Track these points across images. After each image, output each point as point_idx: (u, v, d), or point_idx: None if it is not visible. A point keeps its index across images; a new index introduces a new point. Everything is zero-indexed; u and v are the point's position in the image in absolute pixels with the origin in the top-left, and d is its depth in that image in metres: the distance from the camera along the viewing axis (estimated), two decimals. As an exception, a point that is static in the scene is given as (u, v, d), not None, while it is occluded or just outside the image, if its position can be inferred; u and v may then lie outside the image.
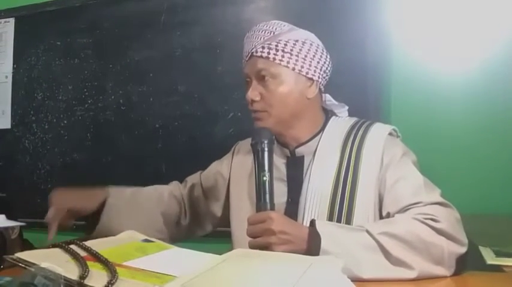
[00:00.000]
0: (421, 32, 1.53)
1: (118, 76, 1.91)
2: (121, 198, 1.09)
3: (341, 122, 1.06)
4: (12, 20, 2.17)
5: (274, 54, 0.98)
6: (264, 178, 0.85)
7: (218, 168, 1.17)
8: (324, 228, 0.83)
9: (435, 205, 0.89)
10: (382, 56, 1.55)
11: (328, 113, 1.08)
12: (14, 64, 2.15)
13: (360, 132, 1.00)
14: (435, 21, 1.51)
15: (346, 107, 1.11)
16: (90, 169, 1.94)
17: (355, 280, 0.77)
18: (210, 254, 0.76)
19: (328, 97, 1.09)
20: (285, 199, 1.01)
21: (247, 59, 1.02)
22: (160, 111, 1.83)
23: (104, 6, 1.97)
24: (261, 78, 0.99)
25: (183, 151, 1.78)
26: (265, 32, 1.00)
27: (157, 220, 1.11)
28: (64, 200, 1.00)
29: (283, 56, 0.98)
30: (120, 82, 1.91)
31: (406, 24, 1.55)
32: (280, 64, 0.98)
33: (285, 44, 0.99)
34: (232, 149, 1.19)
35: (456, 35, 1.49)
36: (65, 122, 2.02)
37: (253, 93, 0.99)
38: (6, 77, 2.16)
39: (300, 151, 1.03)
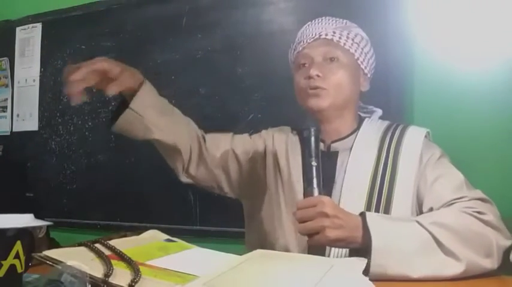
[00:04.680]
0: (444, 31, 1.50)
1: (141, 78, 1.95)
2: (155, 93, 1.06)
3: (375, 123, 1.07)
4: (39, 25, 2.23)
5: (345, 40, 1.02)
6: (313, 163, 0.84)
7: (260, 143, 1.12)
8: (375, 223, 0.81)
9: (478, 201, 0.89)
10: (404, 56, 1.53)
11: (361, 116, 1.11)
12: (41, 68, 2.21)
13: (397, 133, 1.02)
14: (458, 19, 1.48)
15: (379, 112, 1.12)
16: (114, 170, 1.99)
17: (403, 279, 0.76)
18: (231, 255, 0.76)
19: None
20: None
21: (311, 41, 1.03)
22: (182, 113, 1.84)
23: (127, 10, 2.01)
24: (327, 60, 1.01)
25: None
26: (336, 21, 1.05)
27: (186, 129, 1.12)
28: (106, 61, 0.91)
29: (352, 44, 1.03)
30: (143, 84, 1.94)
31: (428, 23, 1.52)
32: (348, 50, 1.02)
33: (355, 35, 1.04)
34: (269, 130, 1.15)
35: (480, 33, 1.46)
36: (90, 124, 2.07)
37: (318, 69, 1.00)
38: (34, 80, 2.23)
39: (335, 146, 1.04)
